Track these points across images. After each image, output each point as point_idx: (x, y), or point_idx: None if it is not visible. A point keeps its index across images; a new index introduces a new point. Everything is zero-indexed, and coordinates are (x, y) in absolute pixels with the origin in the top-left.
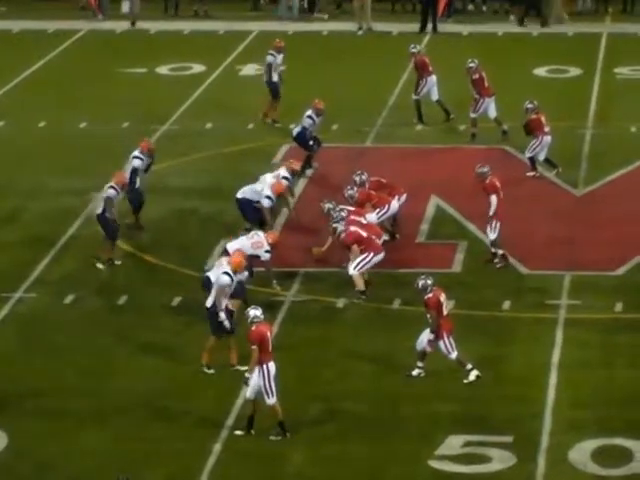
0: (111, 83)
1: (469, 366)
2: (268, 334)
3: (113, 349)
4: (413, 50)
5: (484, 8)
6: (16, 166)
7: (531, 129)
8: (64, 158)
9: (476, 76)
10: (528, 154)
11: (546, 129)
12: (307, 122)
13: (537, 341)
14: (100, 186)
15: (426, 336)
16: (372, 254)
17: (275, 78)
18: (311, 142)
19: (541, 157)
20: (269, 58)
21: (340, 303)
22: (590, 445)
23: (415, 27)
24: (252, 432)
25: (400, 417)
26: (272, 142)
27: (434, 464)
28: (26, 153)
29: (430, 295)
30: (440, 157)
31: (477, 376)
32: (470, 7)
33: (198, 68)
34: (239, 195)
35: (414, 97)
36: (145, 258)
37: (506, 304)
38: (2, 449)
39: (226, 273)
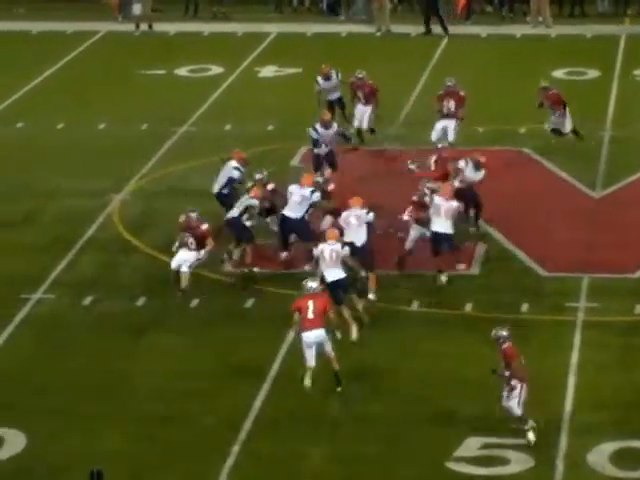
0: (130, 84)
1: (529, 425)
2: (309, 303)
3: (131, 350)
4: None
5: (503, 11)
6: (34, 167)
7: (552, 103)
8: (82, 159)
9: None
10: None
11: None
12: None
13: (555, 343)
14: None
15: (512, 400)
16: None
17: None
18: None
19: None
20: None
21: (359, 305)
22: (608, 448)
23: (434, 29)
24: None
25: (418, 418)
26: (291, 144)
27: (452, 466)
28: (44, 154)
29: (507, 344)
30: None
31: (534, 438)
32: (489, 9)
33: (217, 70)
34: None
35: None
36: (163, 259)
37: (524, 306)
38: (20, 450)
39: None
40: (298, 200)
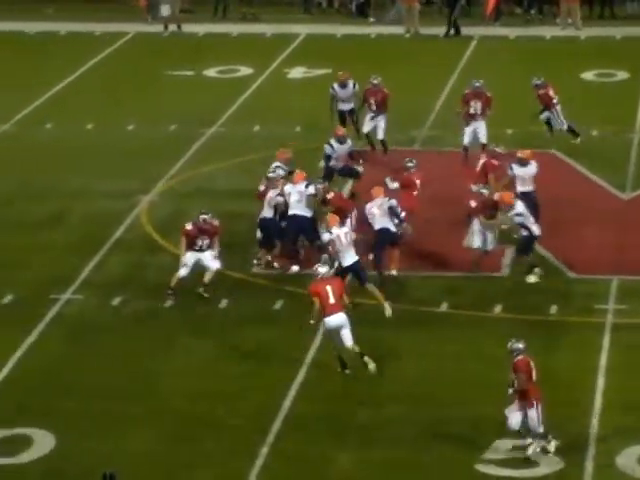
0: (159, 85)
1: (550, 438)
2: (327, 288)
3: (160, 351)
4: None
5: (532, 11)
6: (63, 168)
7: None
8: (111, 160)
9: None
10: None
11: (554, 100)
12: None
13: (584, 345)
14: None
15: (515, 414)
16: None
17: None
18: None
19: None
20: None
21: (387, 306)
22: (638, 450)
23: (463, 30)
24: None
25: (447, 421)
26: (319, 145)
27: (481, 468)
28: (73, 155)
29: (520, 357)
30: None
31: (556, 447)
32: (517, 11)
33: (245, 71)
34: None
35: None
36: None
37: (553, 308)
38: (48, 451)
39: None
40: (297, 198)
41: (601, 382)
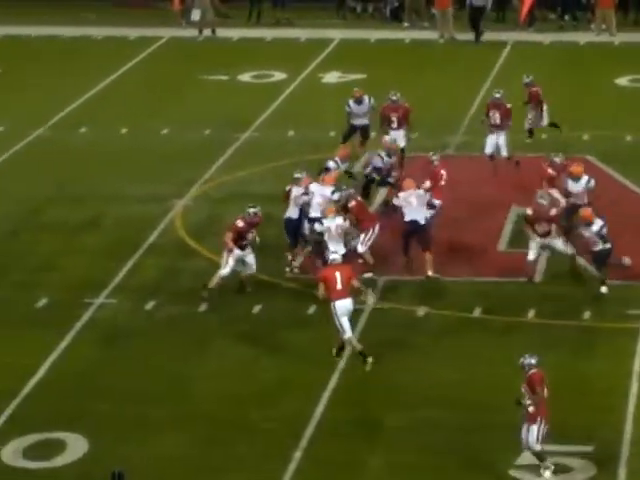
0: (193, 90)
1: (547, 463)
2: (336, 274)
3: (194, 355)
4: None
5: (566, 17)
6: (98, 172)
7: (532, 100)
8: (145, 165)
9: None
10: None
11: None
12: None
13: (618, 351)
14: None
15: (532, 432)
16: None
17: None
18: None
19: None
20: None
21: (421, 311)
22: None
23: (497, 36)
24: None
25: (480, 426)
26: (354, 150)
27: (514, 473)
28: (108, 159)
29: (534, 371)
30: (521, 166)
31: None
32: (552, 16)
33: (279, 76)
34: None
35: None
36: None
37: (587, 314)
38: (82, 455)
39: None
40: (320, 200)
41: (635, 387)
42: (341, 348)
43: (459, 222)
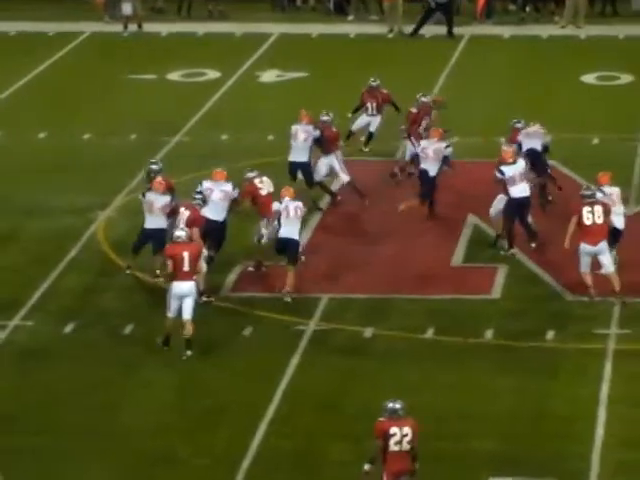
0: (118, 90)
1: None
2: (184, 254)
3: (118, 382)
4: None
5: (527, 9)
6: (14, 181)
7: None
8: (65, 173)
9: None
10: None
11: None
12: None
13: (584, 374)
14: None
15: None
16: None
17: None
18: None
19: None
20: None
21: (367, 333)
22: None
23: (454, 30)
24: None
25: (435, 457)
26: None
27: None
28: (25, 166)
29: (381, 419)
30: (479, 173)
31: None
32: (511, 7)
33: (212, 74)
34: None
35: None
36: (149, 281)
37: (550, 334)
38: None
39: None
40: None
41: (602, 414)
42: (167, 339)
43: (408, 234)
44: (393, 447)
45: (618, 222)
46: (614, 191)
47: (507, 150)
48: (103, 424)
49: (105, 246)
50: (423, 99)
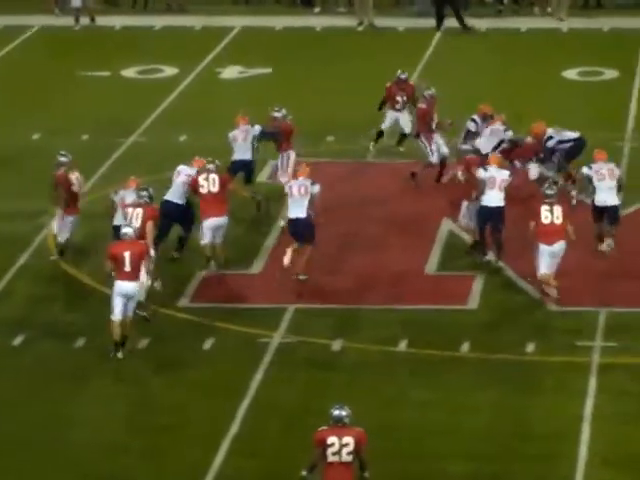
0: (69, 88)
1: None
2: (124, 254)
3: (68, 398)
4: None
5: (505, 0)
6: None
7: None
8: (13, 176)
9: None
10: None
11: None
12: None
13: (566, 389)
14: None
15: None
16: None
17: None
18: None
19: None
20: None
21: (336, 345)
22: None
23: (421, 22)
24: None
25: (408, 478)
26: (258, 157)
27: None
28: None
29: (322, 428)
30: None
31: None
32: None
33: (170, 71)
34: None
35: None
36: (106, 291)
37: (530, 346)
38: None
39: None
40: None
41: (586, 432)
42: (122, 343)
43: (379, 240)
44: (331, 457)
45: (609, 198)
46: (606, 167)
47: (496, 156)
48: (52, 442)
49: (55, 253)
50: (429, 92)
